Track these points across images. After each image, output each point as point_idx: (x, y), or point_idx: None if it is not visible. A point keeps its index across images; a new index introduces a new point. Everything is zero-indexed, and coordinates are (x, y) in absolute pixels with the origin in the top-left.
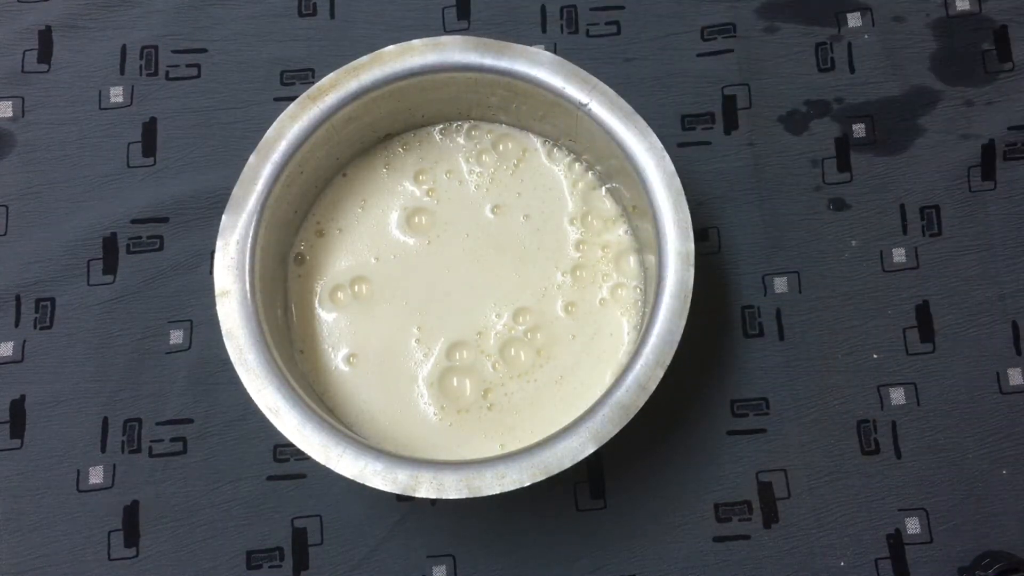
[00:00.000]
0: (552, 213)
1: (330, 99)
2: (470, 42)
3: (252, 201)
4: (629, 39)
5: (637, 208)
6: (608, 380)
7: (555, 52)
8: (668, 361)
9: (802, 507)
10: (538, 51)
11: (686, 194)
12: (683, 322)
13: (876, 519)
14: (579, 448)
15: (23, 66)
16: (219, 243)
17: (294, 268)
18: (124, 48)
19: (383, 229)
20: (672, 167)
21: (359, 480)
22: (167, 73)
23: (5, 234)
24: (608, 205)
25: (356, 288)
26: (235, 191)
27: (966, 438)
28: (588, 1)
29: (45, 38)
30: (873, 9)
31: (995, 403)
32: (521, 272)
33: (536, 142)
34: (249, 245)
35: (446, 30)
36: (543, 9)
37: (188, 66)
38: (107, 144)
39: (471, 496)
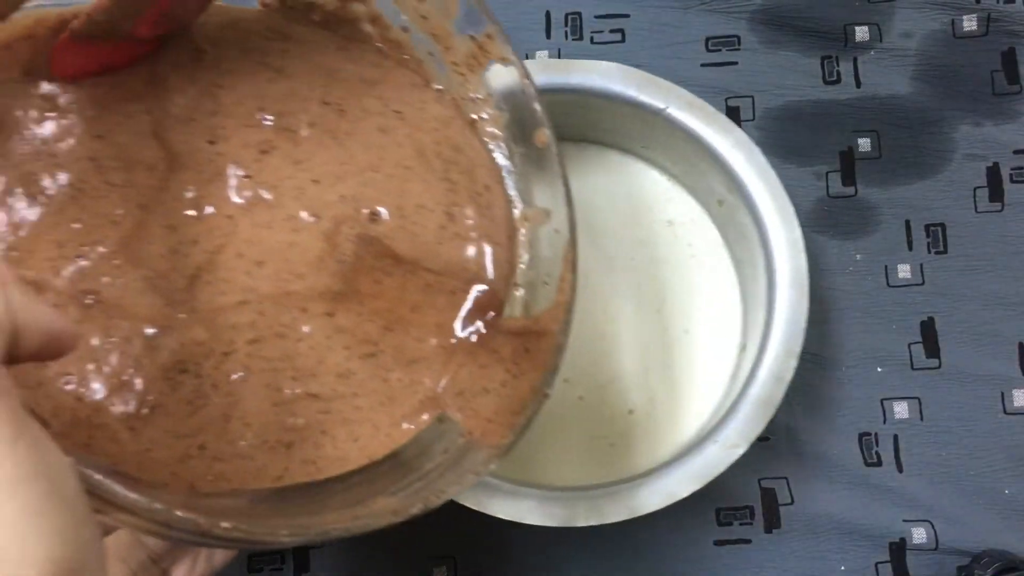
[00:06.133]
0: (642, 217)
1: None
2: (537, 65)
3: None
4: (633, 47)
5: (724, 203)
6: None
7: (559, 59)
8: (798, 350)
9: (804, 513)
10: (599, 63)
11: None
12: (806, 310)
13: (878, 528)
14: (730, 451)
15: None
16: None
17: None
18: None
19: None
20: (764, 159)
21: (517, 520)
22: None
23: None
24: (690, 205)
25: None
26: None
27: (968, 456)
28: (593, 8)
29: None
30: (880, 24)
31: (999, 423)
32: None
33: (611, 153)
34: None
35: None
36: (548, 15)
37: None
38: None
39: (632, 516)
